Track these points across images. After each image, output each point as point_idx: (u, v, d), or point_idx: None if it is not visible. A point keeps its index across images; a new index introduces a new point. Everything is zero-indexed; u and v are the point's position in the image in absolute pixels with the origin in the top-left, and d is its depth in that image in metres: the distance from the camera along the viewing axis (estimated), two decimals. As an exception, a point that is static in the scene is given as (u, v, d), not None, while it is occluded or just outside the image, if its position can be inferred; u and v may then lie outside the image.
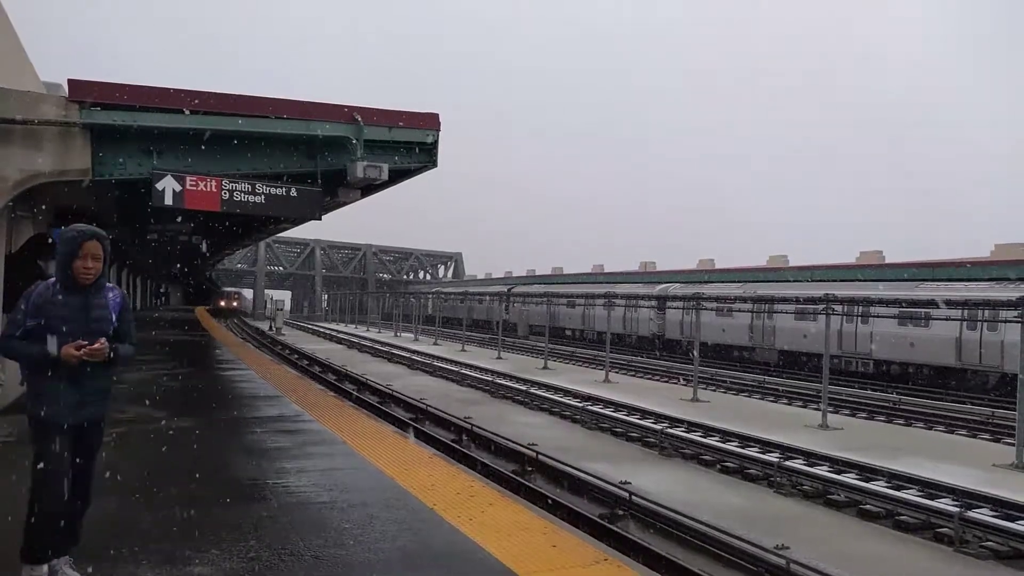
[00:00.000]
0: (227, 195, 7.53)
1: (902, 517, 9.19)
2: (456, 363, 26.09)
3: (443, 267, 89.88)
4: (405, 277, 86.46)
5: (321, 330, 50.67)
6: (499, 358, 28.86)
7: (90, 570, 3.87)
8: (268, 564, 4.07)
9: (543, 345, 29.13)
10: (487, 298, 51.06)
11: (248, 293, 78.21)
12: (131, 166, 7.33)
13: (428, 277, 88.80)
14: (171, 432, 7.75)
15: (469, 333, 40.21)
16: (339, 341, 40.70)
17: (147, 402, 9.41)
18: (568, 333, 44.27)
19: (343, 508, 5.19)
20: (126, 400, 9.57)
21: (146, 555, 4.10)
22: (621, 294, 32.68)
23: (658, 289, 37.11)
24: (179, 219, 12.61)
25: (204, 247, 23.40)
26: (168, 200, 7.21)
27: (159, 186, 7.20)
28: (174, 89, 7.41)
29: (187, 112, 7.28)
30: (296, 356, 28.82)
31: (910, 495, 9.62)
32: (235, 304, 67.34)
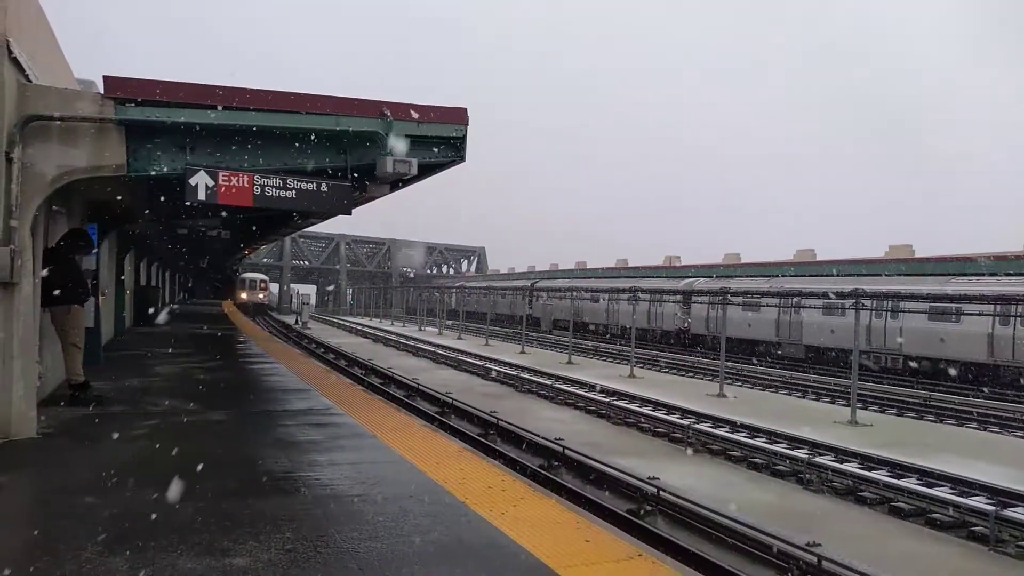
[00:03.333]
0: (259, 190, 7.59)
1: (935, 515, 9.08)
2: (480, 357, 26.16)
3: (466, 261, 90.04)
4: (428, 271, 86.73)
5: (346, 324, 51.03)
6: (523, 352, 28.90)
7: (130, 562, 3.94)
8: (305, 555, 4.11)
9: (567, 340, 29.10)
10: (510, 293, 51.08)
11: (274, 287, 70.70)
12: (165, 162, 7.41)
13: (451, 271, 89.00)
14: (204, 425, 7.86)
15: (493, 327, 40.27)
16: (364, 335, 40.98)
17: (179, 395, 9.55)
18: (592, 328, 44.17)
19: (376, 501, 5.23)
20: (159, 393, 9.72)
21: (186, 546, 4.16)
22: (646, 288, 32.55)
23: (683, 284, 36.90)
24: (211, 214, 12.75)
25: (233, 241, 23.64)
26: (201, 195, 7.28)
27: (192, 181, 7.28)
28: (207, 85, 7.48)
29: (220, 108, 7.35)
30: (323, 350, 29.08)
31: (943, 493, 9.50)
32: (261, 297, 55.53)
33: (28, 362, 6.84)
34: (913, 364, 24.70)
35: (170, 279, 39.03)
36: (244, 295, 53.18)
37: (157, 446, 6.69)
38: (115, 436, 6.95)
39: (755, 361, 28.80)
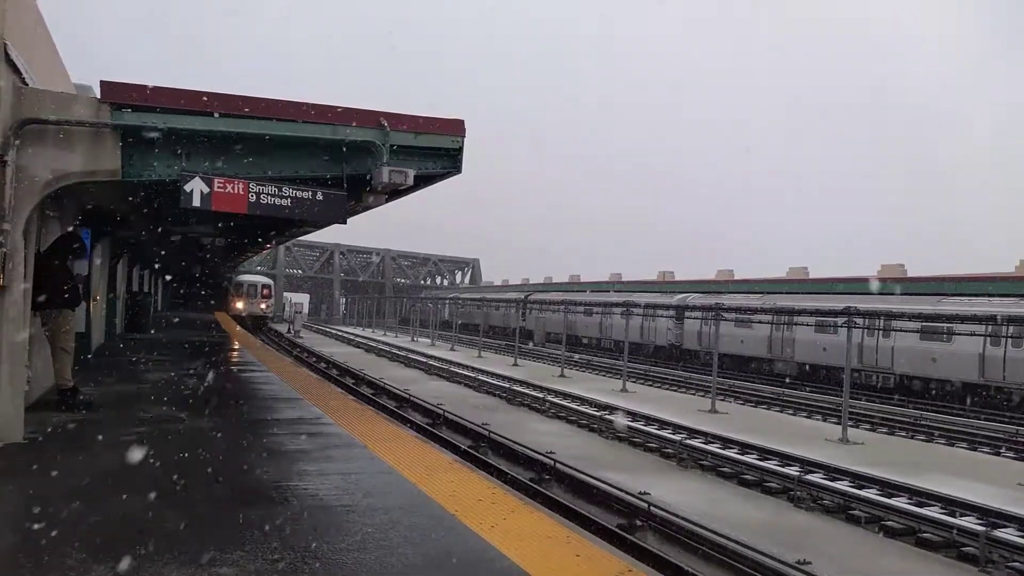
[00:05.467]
0: (254, 197, 7.57)
1: (925, 534, 9.08)
2: (473, 369, 26.11)
3: (460, 273, 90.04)
4: (422, 282, 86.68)
5: (339, 334, 50.88)
6: (516, 365, 28.85)
7: (115, 569, 3.89)
8: (292, 566, 4.07)
9: (560, 353, 29.08)
10: (504, 305, 51.06)
11: None
12: (160, 168, 7.39)
13: (445, 283, 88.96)
14: (193, 433, 7.80)
15: (486, 339, 40.20)
16: (356, 345, 40.85)
17: (169, 402, 9.48)
18: (585, 342, 44.16)
19: (365, 512, 5.19)
20: (149, 400, 9.65)
21: (172, 555, 4.12)
22: (639, 303, 32.58)
23: (676, 299, 36.95)
24: (205, 221, 12.72)
25: (227, 249, 23.57)
26: (196, 202, 7.26)
27: (187, 188, 7.26)
28: (205, 92, 7.48)
29: (216, 115, 7.35)
30: (314, 359, 28.96)
31: (933, 512, 9.50)
32: (263, 308, 42.80)
33: (17, 366, 6.78)
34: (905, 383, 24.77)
35: (162, 286, 38.87)
36: (240, 304, 41.38)
37: (145, 454, 6.63)
38: (103, 442, 6.90)
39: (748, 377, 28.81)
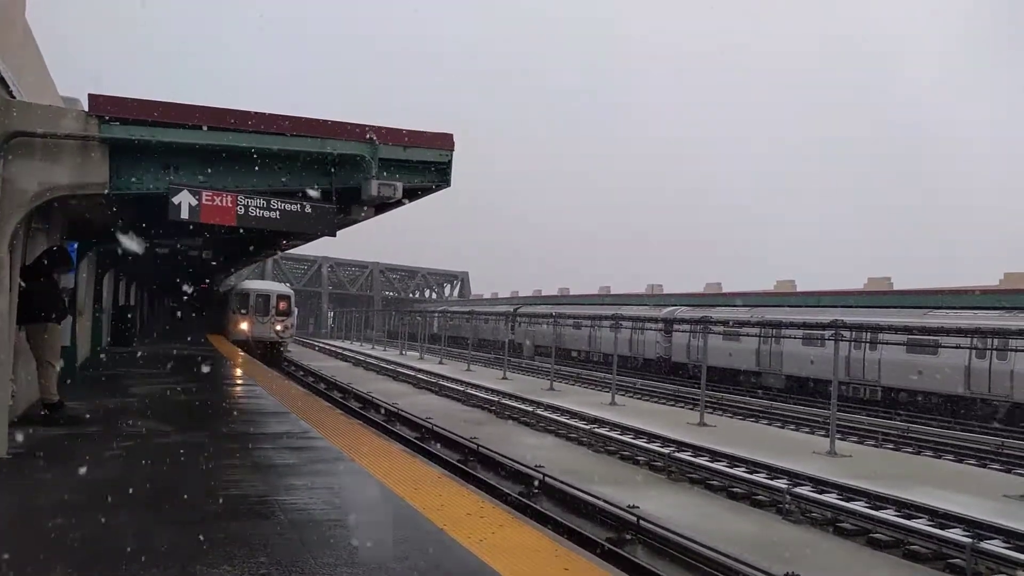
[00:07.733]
0: (242, 210, 7.56)
1: (913, 547, 9.11)
2: (461, 383, 26.05)
3: (449, 286, 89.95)
4: (411, 295, 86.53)
5: (327, 347, 50.68)
6: (504, 378, 28.81)
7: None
8: (279, 581, 4.04)
9: (549, 366, 29.07)
10: (493, 318, 51.02)
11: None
12: (148, 180, 7.38)
13: (434, 296, 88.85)
14: (180, 447, 7.74)
15: (474, 353, 40.14)
16: (344, 359, 40.71)
17: (155, 416, 9.41)
18: (574, 354, 44.14)
19: (353, 526, 5.17)
20: (135, 414, 9.58)
21: (158, 570, 4.08)
22: (628, 316, 32.64)
23: (665, 312, 37.04)
24: (194, 234, 12.67)
25: (215, 262, 23.44)
26: (184, 214, 7.25)
27: (175, 200, 7.24)
28: (193, 105, 7.48)
29: (205, 128, 7.35)
30: (302, 373, 28.83)
31: (920, 524, 9.54)
32: (279, 329, 30.98)
33: (2, 380, 6.72)
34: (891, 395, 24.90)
35: (149, 302, 38.54)
36: (244, 324, 30.15)
37: (131, 468, 6.58)
38: (88, 457, 6.83)
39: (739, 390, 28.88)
